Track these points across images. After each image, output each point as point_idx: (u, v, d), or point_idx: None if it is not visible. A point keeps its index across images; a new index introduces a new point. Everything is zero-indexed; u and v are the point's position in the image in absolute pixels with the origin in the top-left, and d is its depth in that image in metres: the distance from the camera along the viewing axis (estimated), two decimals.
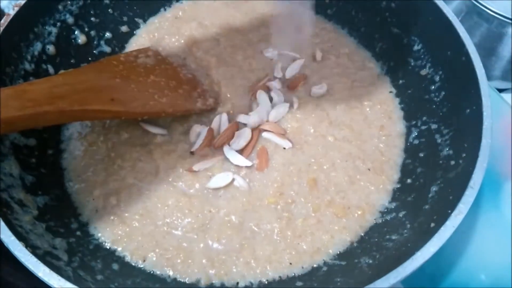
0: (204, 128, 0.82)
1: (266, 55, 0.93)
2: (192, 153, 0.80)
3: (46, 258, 0.60)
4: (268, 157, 0.80)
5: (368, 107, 0.87)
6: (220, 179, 0.77)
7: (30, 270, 0.57)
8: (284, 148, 0.81)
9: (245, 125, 0.83)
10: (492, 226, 0.80)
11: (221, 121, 0.83)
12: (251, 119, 0.82)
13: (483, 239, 0.78)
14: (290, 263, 0.71)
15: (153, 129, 0.82)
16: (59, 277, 0.56)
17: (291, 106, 0.85)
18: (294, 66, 0.91)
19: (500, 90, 1.06)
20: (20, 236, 0.59)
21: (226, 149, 0.80)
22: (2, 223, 0.59)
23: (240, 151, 0.80)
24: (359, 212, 0.76)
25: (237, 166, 0.79)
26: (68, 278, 0.56)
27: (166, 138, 0.82)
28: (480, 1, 0.96)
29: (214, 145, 0.81)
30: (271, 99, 0.86)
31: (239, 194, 0.76)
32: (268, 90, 0.88)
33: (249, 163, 0.78)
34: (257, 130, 0.82)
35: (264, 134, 0.82)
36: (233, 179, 0.77)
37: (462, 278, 0.76)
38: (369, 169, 0.80)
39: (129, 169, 0.78)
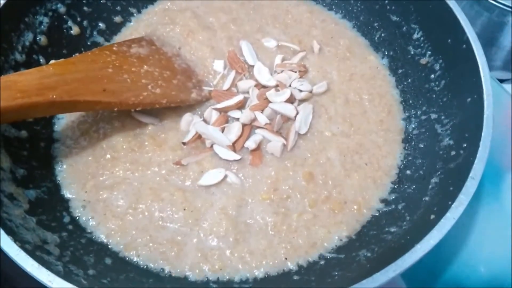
0: (196, 117, 0.81)
1: (265, 45, 0.91)
2: (183, 143, 0.79)
3: (36, 252, 0.59)
4: (261, 153, 0.79)
5: (368, 101, 0.86)
6: (212, 176, 0.75)
7: (19, 265, 0.55)
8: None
9: (237, 119, 0.81)
10: (492, 218, 0.80)
11: (211, 113, 0.81)
12: (243, 115, 0.80)
13: (483, 232, 0.78)
14: (286, 258, 0.70)
15: (145, 119, 0.81)
16: (48, 272, 0.55)
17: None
18: (294, 59, 0.89)
19: (501, 81, 1.05)
20: (9, 230, 0.58)
21: (215, 145, 0.78)
22: None
23: (232, 145, 0.78)
24: (356, 207, 0.75)
25: (227, 161, 0.77)
26: (57, 273, 0.56)
27: (158, 127, 0.81)
28: None
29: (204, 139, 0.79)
30: None
31: (232, 190, 0.75)
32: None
33: (237, 157, 0.77)
34: (249, 126, 0.81)
35: (257, 131, 0.80)
36: (226, 176, 0.75)
37: (462, 270, 0.76)
38: (366, 164, 0.79)
39: (121, 161, 0.77)
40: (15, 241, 0.57)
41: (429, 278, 0.76)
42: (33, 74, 0.66)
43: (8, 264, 0.73)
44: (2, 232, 0.57)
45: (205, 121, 0.81)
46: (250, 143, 0.77)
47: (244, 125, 0.80)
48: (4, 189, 0.66)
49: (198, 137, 0.79)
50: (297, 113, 0.81)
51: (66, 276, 0.56)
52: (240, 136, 0.79)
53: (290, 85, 0.85)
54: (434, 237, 0.57)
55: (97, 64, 0.75)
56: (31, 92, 0.62)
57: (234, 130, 0.79)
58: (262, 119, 0.80)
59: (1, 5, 0.74)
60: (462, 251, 0.77)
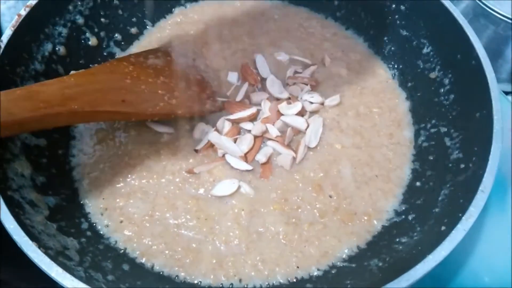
0: (208, 127, 0.83)
1: (278, 58, 0.92)
2: (196, 151, 0.81)
3: (58, 258, 0.60)
4: (271, 166, 0.80)
5: (377, 115, 0.87)
6: (225, 186, 0.77)
7: (43, 270, 0.57)
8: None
9: (249, 131, 0.83)
10: (497, 228, 0.79)
11: (224, 124, 0.83)
12: (255, 127, 0.82)
13: (488, 242, 0.78)
14: (297, 266, 0.71)
15: (160, 128, 0.83)
16: (72, 278, 0.56)
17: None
18: (306, 72, 0.91)
19: (507, 93, 1.06)
20: (32, 237, 0.60)
21: (227, 154, 0.80)
22: (15, 223, 0.59)
23: (244, 156, 0.80)
24: (366, 218, 0.76)
25: (240, 172, 0.79)
26: (80, 278, 0.57)
27: (172, 136, 0.83)
28: (487, 4, 0.96)
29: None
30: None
31: (244, 199, 0.76)
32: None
33: (249, 167, 0.78)
34: (260, 138, 0.82)
35: (268, 143, 0.82)
36: (239, 186, 0.77)
37: (466, 280, 0.76)
38: (376, 176, 0.80)
39: (137, 169, 0.79)
40: (39, 247, 0.58)
41: (434, 285, 0.76)
42: (55, 84, 0.67)
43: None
44: (27, 238, 0.58)
45: (217, 131, 0.82)
46: (261, 157, 0.79)
47: (255, 137, 0.81)
48: (25, 196, 0.67)
49: (210, 145, 0.81)
50: (308, 126, 0.83)
51: (88, 281, 0.57)
52: (252, 148, 0.80)
53: (301, 97, 0.86)
54: (446, 248, 0.58)
55: (116, 75, 0.76)
56: (54, 103, 0.64)
57: (246, 141, 0.80)
58: (273, 131, 0.82)
59: (22, 16, 0.75)
60: (466, 261, 0.77)
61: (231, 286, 0.70)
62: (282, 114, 0.83)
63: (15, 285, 0.78)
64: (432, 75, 0.85)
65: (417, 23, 0.87)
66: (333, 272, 0.70)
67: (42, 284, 0.73)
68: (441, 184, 0.73)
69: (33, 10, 0.76)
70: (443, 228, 0.63)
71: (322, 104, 0.86)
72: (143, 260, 0.71)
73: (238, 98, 0.87)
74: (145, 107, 0.76)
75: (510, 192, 0.83)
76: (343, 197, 0.77)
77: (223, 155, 0.80)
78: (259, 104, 0.86)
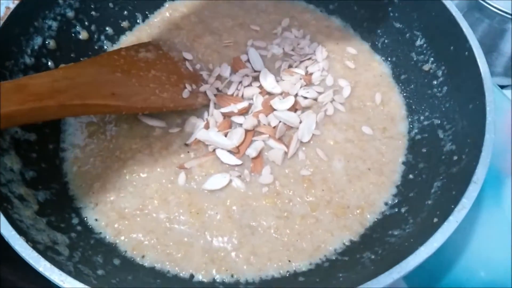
0: (200, 120, 0.82)
1: (272, 51, 0.92)
2: (186, 145, 0.80)
3: (47, 253, 0.59)
4: (263, 160, 0.79)
5: (371, 108, 0.87)
6: (217, 181, 0.76)
7: (31, 265, 0.56)
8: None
9: (240, 125, 0.82)
10: (493, 222, 0.79)
11: (215, 117, 0.82)
12: (246, 121, 0.81)
13: (484, 236, 0.78)
14: (289, 260, 0.71)
15: (151, 122, 0.82)
16: (60, 272, 0.56)
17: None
18: (300, 65, 0.90)
19: (502, 87, 1.06)
20: (20, 231, 0.59)
21: (218, 149, 0.79)
22: (3, 218, 0.59)
23: (236, 148, 0.79)
24: (359, 211, 0.75)
25: (231, 166, 0.78)
26: (69, 273, 0.56)
27: (164, 130, 0.82)
28: None
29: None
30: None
31: (236, 193, 0.76)
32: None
33: (239, 162, 0.78)
34: (251, 132, 0.81)
35: (260, 137, 0.81)
36: (231, 180, 0.76)
37: (462, 274, 0.76)
38: (369, 169, 0.80)
39: (128, 163, 0.78)
40: (27, 241, 0.57)
41: (430, 280, 0.76)
42: (44, 77, 0.66)
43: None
44: (15, 232, 0.58)
45: (208, 124, 0.82)
46: (251, 151, 0.79)
47: (247, 131, 0.81)
48: (14, 190, 0.67)
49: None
50: (300, 122, 0.82)
51: (77, 276, 0.57)
52: (242, 142, 0.80)
53: (295, 92, 0.85)
54: (438, 240, 0.58)
55: (106, 68, 0.76)
56: (43, 96, 0.63)
57: (237, 136, 0.79)
58: (265, 126, 0.81)
59: (11, 9, 0.74)
60: (462, 255, 0.77)
61: (223, 280, 0.69)
62: (274, 109, 0.83)
63: (16, 285, 0.77)
64: (426, 67, 0.85)
65: (410, 15, 0.87)
66: (325, 265, 0.70)
67: (43, 284, 0.72)
68: (434, 176, 0.73)
69: (22, 3, 0.76)
70: (435, 220, 0.62)
71: (316, 100, 0.86)
72: (134, 255, 0.71)
73: (230, 91, 0.86)
74: (136, 100, 0.75)
75: (508, 185, 0.82)
76: (335, 190, 0.77)
77: (214, 150, 0.79)
78: (251, 98, 0.85)
